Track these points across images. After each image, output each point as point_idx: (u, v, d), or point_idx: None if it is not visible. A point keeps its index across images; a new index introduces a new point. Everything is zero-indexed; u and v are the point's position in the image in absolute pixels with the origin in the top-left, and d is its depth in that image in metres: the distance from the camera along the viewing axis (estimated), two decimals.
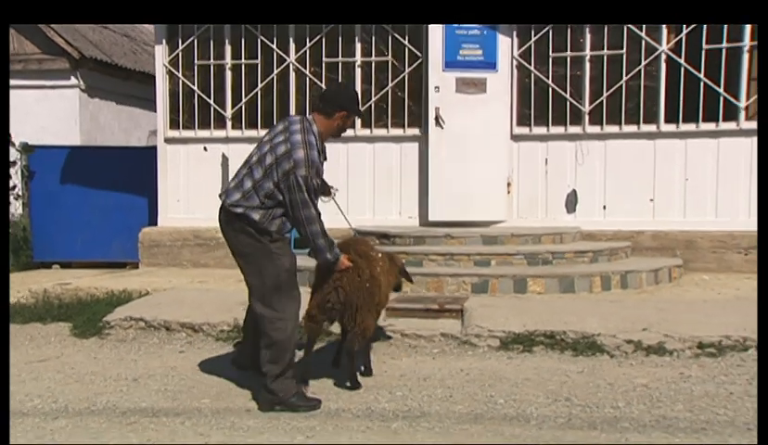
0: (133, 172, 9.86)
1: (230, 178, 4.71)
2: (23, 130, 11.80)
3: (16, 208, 10.52)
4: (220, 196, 4.52)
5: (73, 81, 12.56)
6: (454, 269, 7.00)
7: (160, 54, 9.32)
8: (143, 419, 4.07)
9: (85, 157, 10.45)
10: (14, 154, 10.26)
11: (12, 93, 12.18)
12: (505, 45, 8.55)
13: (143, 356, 5.50)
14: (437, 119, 8.51)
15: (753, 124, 8.07)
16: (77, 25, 13.79)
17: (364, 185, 8.93)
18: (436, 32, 8.50)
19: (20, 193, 10.32)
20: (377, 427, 3.99)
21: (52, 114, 12.46)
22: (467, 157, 8.55)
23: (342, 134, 4.68)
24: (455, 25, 8.51)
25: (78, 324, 6.21)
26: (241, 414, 4.18)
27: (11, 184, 10.29)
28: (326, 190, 4.87)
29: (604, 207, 8.51)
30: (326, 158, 4.49)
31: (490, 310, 5.97)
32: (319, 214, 4.35)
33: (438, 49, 8.52)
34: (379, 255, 4.85)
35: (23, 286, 7.67)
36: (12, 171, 10.28)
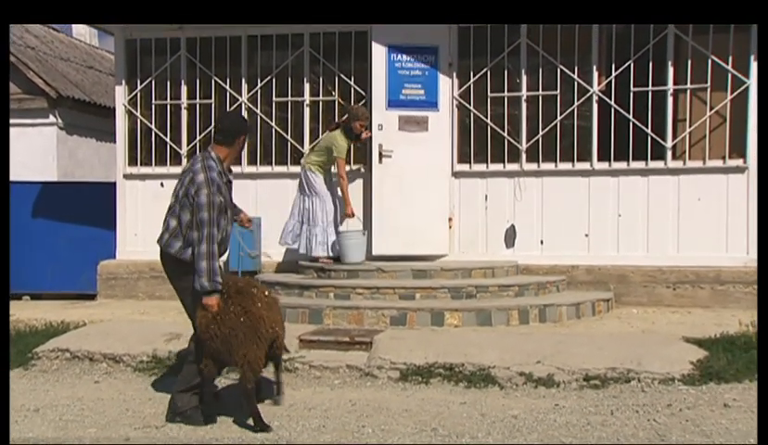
0: (101, 206, 10.19)
1: None
2: None
3: None
4: (158, 242, 4.98)
5: (51, 119, 13.04)
6: (377, 302, 7.26)
7: (120, 94, 9.75)
8: None
9: (56, 192, 10.88)
10: None
11: None
12: (446, 85, 8.86)
13: (57, 386, 5.79)
14: (380, 155, 8.77)
15: (679, 164, 8.36)
16: (60, 66, 14.35)
17: None
18: (379, 72, 8.76)
19: None
20: None
21: (31, 151, 12.93)
22: (411, 193, 8.80)
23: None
24: (398, 65, 8.84)
25: None
26: (117, 443, 4.44)
27: None
28: (242, 220, 5.31)
29: (541, 242, 8.75)
30: (230, 181, 5.01)
31: (397, 342, 6.21)
32: (219, 243, 4.73)
33: (381, 88, 8.76)
34: (264, 292, 5.03)
35: None
36: None
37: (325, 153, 8.47)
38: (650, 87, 8.32)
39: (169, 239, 4.84)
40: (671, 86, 8.28)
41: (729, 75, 8.13)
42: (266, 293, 5.00)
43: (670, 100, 8.30)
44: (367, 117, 8.59)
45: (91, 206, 10.43)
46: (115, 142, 9.91)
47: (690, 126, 8.30)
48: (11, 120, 12.86)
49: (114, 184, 10.01)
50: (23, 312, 8.17)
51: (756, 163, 7.71)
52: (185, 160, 9.52)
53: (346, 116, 8.60)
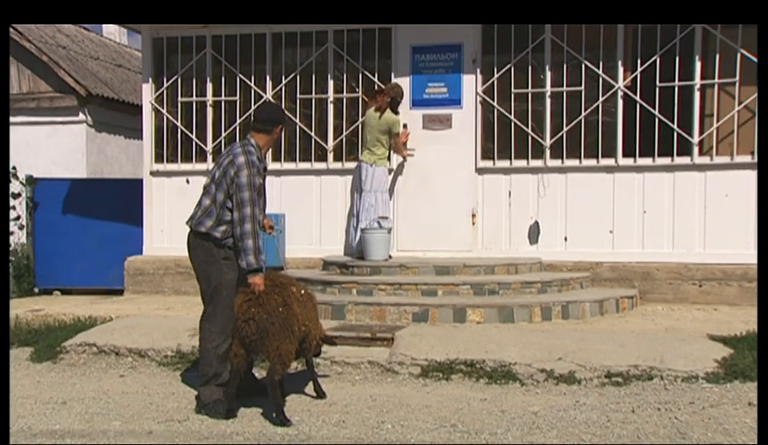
0: (129, 203, 10.32)
1: None
2: (36, 163, 12.49)
3: (20, 237, 11.09)
4: (187, 223, 5.10)
5: (81, 117, 13.22)
6: (399, 298, 7.27)
7: (147, 92, 9.86)
8: (47, 441, 4.43)
9: (86, 188, 11.05)
10: (19, 186, 10.86)
11: (26, 129, 12.97)
12: (470, 82, 8.86)
13: (84, 380, 5.89)
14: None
15: (706, 159, 8.25)
16: (90, 64, 14.54)
17: (336, 215, 9.26)
18: (403, 73, 8.96)
19: (24, 223, 10.89)
20: None
21: (61, 148, 13.14)
22: (435, 190, 8.89)
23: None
24: (422, 66, 8.94)
25: (38, 349, 6.65)
26: (140, 437, 4.51)
27: (15, 215, 10.85)
28: (264, 225, 5.31)
29: (565, 238, 8.70)
30: (266, 167, 5.17)
31: (419, 338, 6.22)
32: (259, 223, 4.92)
33: (405, 89, 8.87)
34: (300, 290, 5.12)
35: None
36: (17, 202, 10.87)
37: (387, 137, 8.53)
38: (677, 82, 8.24)
39: (201, 217, 4.95)
40: (698, 81, 8.20)
41: None
42: (303, 291, 5.09)
43: (697, 95, 8.22)
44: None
45: (119, 202, 10.58)
46: (142, 139, 10.03)
47: (718, 121, 8.20)
48: (44, 119, 13.18)
49: (141, 180, 10.14)
50: (53, 307, 8.32)
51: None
52: (210, 157, 9.62)
53: (385, 96, 8.54)
